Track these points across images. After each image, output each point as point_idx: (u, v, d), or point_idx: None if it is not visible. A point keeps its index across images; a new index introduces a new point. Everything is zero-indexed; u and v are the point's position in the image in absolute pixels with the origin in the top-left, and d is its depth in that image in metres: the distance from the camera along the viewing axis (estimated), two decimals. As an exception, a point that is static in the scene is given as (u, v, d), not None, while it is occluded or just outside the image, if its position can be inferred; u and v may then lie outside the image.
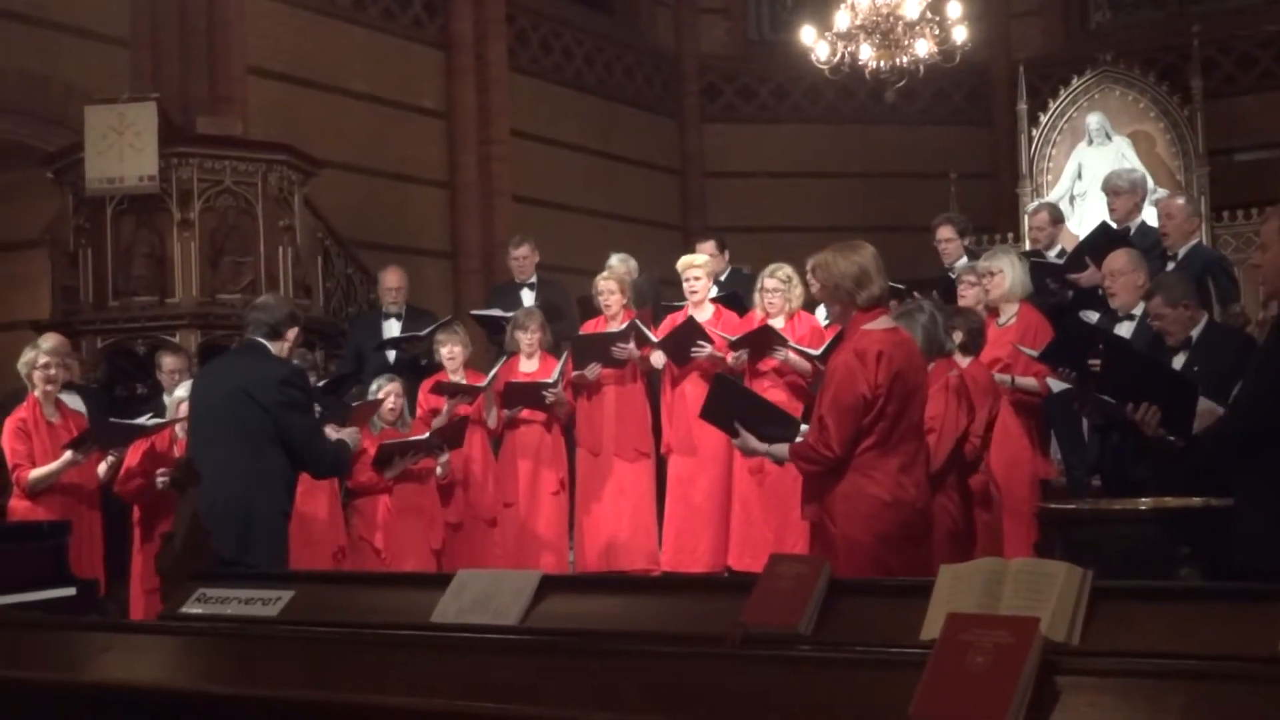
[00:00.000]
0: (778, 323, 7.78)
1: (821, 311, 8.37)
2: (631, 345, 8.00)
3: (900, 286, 7.56)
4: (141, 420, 7.02)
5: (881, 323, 4.78)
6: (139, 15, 10.51)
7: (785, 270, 7.90)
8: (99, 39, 10.30)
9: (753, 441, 5.06)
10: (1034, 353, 6.71)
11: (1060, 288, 7.80)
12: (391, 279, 9.38)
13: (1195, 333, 5.81)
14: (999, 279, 7.27)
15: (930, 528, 4.90)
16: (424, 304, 9.87)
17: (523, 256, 9.61)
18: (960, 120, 15.89)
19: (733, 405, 5.30)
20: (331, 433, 6.19)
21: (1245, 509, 4.32)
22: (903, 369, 4.67)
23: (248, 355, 5.84)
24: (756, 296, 7.99)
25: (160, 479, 6.60)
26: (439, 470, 7.66)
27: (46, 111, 10.03)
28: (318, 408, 6.41)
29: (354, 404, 7.36)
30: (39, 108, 10.04)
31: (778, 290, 7.81)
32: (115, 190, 8.82)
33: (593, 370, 8.04)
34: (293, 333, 5.82)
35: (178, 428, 6.78)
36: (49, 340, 7.48)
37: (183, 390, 7.20)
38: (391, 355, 9.08)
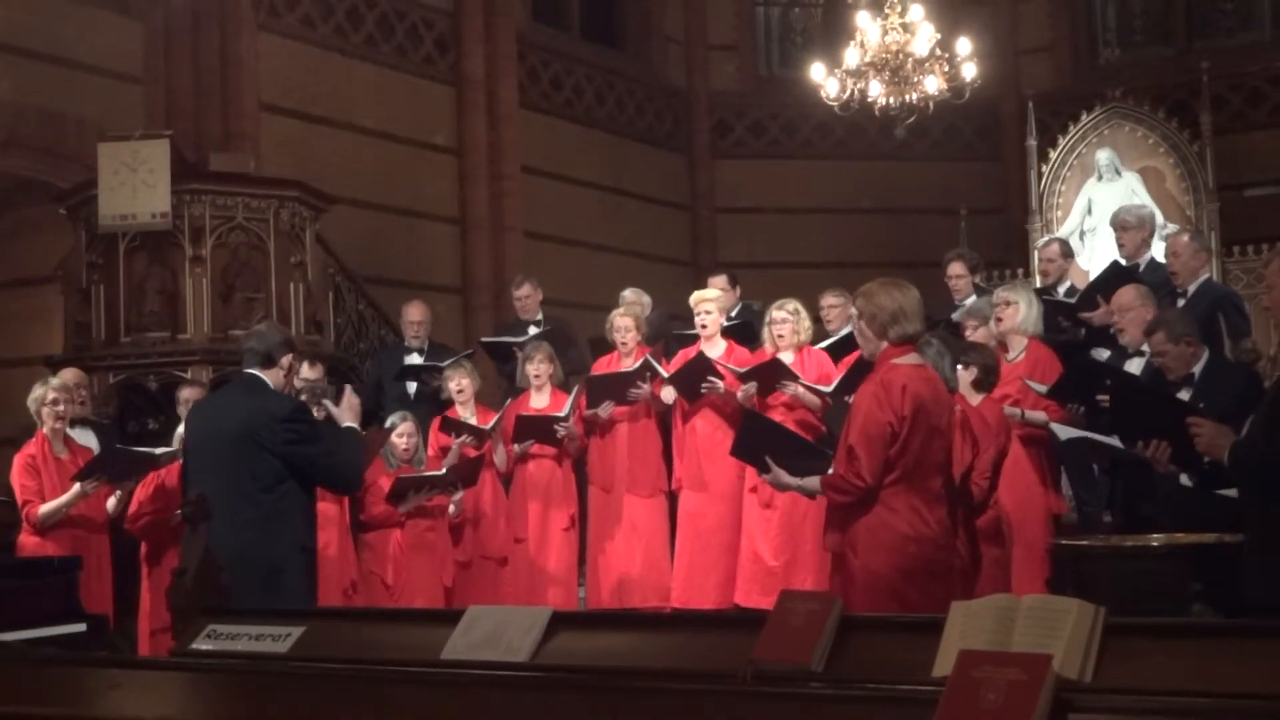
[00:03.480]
0: (787, 357, 7.76)
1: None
2: (646, 385, 7.99)
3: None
4: (149, 449, 7.02)
5: (909, 359, 4.83)
6: (153, 53, 10.59)
7: (793, 304, 7.91)
8: (113, 76, 10.38)
9: (784, 477, 5.12)
10: (1043, 388, 6.70)
11: (1072, 326, 7.79)
12: (415, 313, 9.39)
13: (1197, 369, 5.73)
14: (1013, 310, 7.25)
15: (952, 564, 4.90)
16: (433, 339, 9.87)
17: (525, 296, 9.59)
18: (970, 156, 15.93)
19: (763, 441, 5.33)
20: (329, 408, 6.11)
21: (1255, 546, 4.31)
22: (926, 404, 4.70)
23: (245, 394, 5.65)
24: (765, 331, 7.98)
25: (176, 516, 6.59)
26: (451, 509, 7.64)
27: (60, 148, 10.09)
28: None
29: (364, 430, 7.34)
30: (53, 145, 10.10)
31: (786, 322, 7.81)
32: (128, 227, 8.85)
33: (605, 409, 8.03)
34: (287, 359, 5.69)
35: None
36: (65, 375, 7.50)
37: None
38: (412, 388, 9.07)
